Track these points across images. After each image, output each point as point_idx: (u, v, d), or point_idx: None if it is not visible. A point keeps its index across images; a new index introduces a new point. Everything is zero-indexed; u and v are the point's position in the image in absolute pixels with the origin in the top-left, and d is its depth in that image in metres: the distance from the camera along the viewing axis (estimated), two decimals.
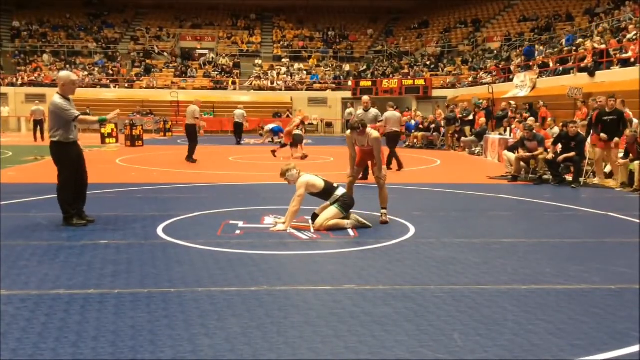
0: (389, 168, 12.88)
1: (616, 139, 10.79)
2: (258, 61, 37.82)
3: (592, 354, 3.35)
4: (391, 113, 13.97)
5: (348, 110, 27.05)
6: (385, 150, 11.26)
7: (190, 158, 14.98)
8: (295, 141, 16.95)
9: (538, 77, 21.81)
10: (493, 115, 19.25)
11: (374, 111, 11.69)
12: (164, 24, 41.36)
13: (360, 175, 8.65)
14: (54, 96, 6.74)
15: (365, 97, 12.13)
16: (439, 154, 18.93)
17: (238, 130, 24.15)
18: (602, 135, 10.84)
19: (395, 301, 4.23)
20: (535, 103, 17.47)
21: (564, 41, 24.31)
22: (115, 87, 34.70)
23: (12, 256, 5.34)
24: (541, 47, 25.77)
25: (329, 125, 33.86)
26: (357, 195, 7.36)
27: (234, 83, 35.21)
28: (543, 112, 16.23)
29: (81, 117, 6.99)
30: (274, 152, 17.12)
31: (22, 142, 22.01)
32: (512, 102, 19.04)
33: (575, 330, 3.71)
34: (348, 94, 32.92)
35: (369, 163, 7.57)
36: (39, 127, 23.00)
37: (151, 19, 42.12)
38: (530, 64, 23.63)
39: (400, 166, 13.36)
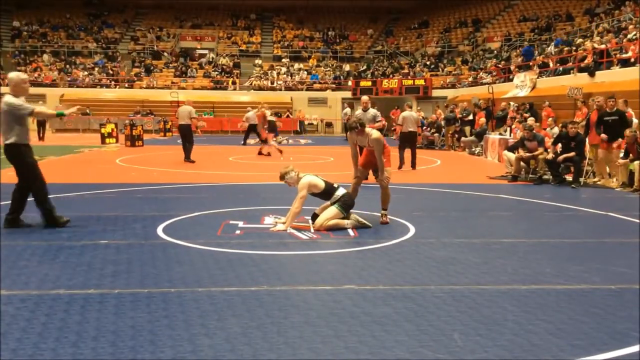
0: (401, 167, 13.64)
1: (620, 139, 10.78)
2: (258, 61, 37.83)
3: (592, 354, 3.34)
4: (408, 113, 14.45)
5: (345, 111, 27.27)
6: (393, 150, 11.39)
7: (188, 158, 14.93)
8: (271, 129, 17.37)
9: (538, 77, 21.81)
10: (493, 115, 19.24)
11: (372, 111, 11.67)
12: (164, 24, 41.37)
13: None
14: (6, 97, 6.51)
15: (365, 97, 12.11)
16: (439, 154, 18.93)
17: (254, 131, 24.18)
18: (603, 135, 10.84)
19: (395, 301, 4.23)
20: (540, 103, 17.45)
21: (552, 45, 24.34)
22: (115, 87, 34.70)
23: (12, 256, 5.34)
24: (535, 51, 25.79)
25: (329, 125, 33.89)
26: (360, 195, 7.35)
27: (234, 83, 35.22)
28: (548, 111, 16.21)
29: (37, 109, 6.81)
30: (267, 153, 17.14)
31: None
32: (512, 102, 19.05)
33: (575, 330, 3.71)
34: (348, 94, 32.92)
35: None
36: (41, 127, 23.88)
37: (151, 19, 42.12)
38: (531, 64, 23.62)
39: (401, 165, 13.78)
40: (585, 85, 17.33)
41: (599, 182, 11.18)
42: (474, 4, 39.54)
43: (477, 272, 5.03)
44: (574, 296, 4.40)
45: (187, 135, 15.04)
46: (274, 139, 17.62)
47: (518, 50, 28.16)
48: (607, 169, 11.37)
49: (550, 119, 14.79)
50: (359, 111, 11.79)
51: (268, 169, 13.66)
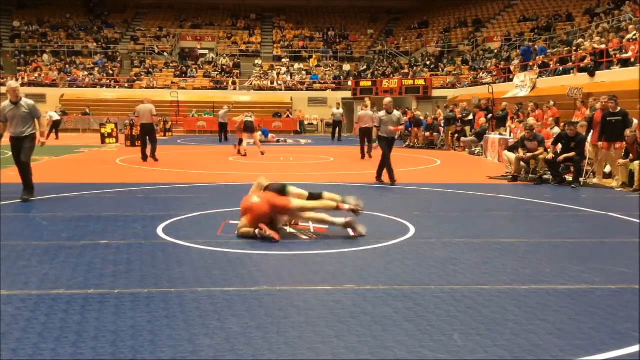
0: (363, 158, 16.48)
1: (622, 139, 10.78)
2: (258, 61, 37.82)
3: (592, 354, 3.34)
4: (364, 112, 17.36)
5: (339, 111, 26.34)
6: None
7: (153, 156, 15.03)
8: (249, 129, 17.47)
9: (538, 77, 21.82)
10: (493, 115, 19.23)
11: (397, 113, 10.94)
12: (164, 24, 41.36)
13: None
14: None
15: (388, 99, 11.12)
16: (439, 154, 18.93)
17: (225, 130, 25.37)
18: (600, 143, 10.92)
19: (395, 301, 4.23)
20: (542, 103, 17.43)
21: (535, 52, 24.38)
22: (115, 87, 34.71)
23: (12, 256, 5.34)
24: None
25: (329, 125, 33.84)
26: (360, 195, 7.34)
27: (234, 83, 35.22)
28: (554, 111, 16.21)
29: None
30: (243, 152, 17.25)
31: None
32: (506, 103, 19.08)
33: (575, 330, 3.71)
34: (348, 94, 32.92)
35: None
36: (54, 128, 24.97)
37: (151, 19, 42.12)
38: (531, 64, 23.63)
39: (369, 155, 16.42)
40: (585, 85, 17.32)
41: (597, 182, 11.17)
42: (474, 4, 39.54)
43: (477, 272, 5.03)
44: (574, 296, 4.40)
45: (150, 134, 15.13)
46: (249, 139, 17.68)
47: (518, 50, 28.13)
48: (608, 169, 11.37)
49: (550, 119, 14.79)
50: (382, 113, 10.93)
51: (268, 169, 13.66)
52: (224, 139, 24.80)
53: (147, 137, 15.14)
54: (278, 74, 36.11)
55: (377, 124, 10.94)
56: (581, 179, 10.98)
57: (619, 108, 10.96)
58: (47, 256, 5.38)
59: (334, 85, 34.99)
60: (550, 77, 21.37)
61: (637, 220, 7.41)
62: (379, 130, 10.90)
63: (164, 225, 6.77)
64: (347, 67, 37.29)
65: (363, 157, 16.62)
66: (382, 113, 10.98)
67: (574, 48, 21.52)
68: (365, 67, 36.91)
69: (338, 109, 26.62)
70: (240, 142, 17.46)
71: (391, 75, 33.90)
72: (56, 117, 25.57)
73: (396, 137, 11.58)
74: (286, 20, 42.79)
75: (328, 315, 3.91)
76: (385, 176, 10.89)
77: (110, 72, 35.68)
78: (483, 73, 29.39)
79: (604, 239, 6.54)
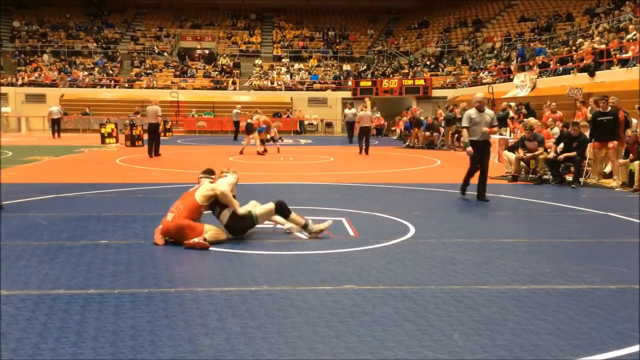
0: (360, 153, 18.02)
1: (614, 138, 10.77)
2: (258, 61, 37.82)
3: (592, 354, 3.34)
4: (364, 113, 18.91)
5: (351, 111, 23.96)
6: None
7: (157, 153, 16.30)
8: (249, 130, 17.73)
9: (538, 77, 21.82)
10: None
11: (491, 112, 9.06)
12: (164, 24, 41.36)
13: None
14: None
15: (480, 94, 9.40)
16: (439, 154, 18.92)
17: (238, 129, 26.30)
18: (592, 143, 10.91)
19: (395, 301, 4.23)
20: (541, 103, 17.43)
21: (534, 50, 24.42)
22: (115, 87, 34.70)
23: (12, 256, 5.34)
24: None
25: (329, 125, 33.89)
26: (360, 194, 7.34)
27: (234, 83, 35.22)
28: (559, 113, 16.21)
29: None
30: (242, 151, 17.69)
31: (22, 142, 22.01)
32: (512, 103, 19.05)
33: (575, 330, 3.71)
34: (348, 94, 32.92)
35: None
36: (55, 126, 25.92)
37: (151, 19, 42.12)
38: (531, 64, 23.63)
39: (366, 152, 17.99)
40: (585, 85, 17.32)
41: (595, 182, 11.17)
42: (474, 4, 39.54)
43: (477, 272, 5.02)
44: (574, 296, 4.40)
45: (155, 133, 16.42)
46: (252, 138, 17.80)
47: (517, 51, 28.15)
48: (609, 169, 11.36)
49: (550, 119, 14.78)
50: (472, 111, 9.03)
51: (268, 169, 13.67)
52: (234, 137, 25.80)
53: (152, 136, 16.33)
54: (278, 74, 36.11)
55: (467, 124, 8.96)
56: (581, 179, 10.98)
57: (609, 108, 10.95)
58: (47, 256, 5.37)
59: (334, 85, 34.99)
60: (550, 77, 21.37)
61: (637, 220, 7.40)
62: (468, 131, 9.00)
63: None
64: (347, 67, 37.30)
65: (361, 152, 18.05)
66: (472, 111, 8.99)
67: (574, 48, 21.51)
68: (365, 67, 36.91)
69: (350, 109, 24.76)
70: (262, 142, 17.93)
71: (391, 75, 33.90)
72: (55, 114, 25.72)
73: (490, 140, 9.39)
74: (286, 20, 42.79)
75: (328, 315, 3.91)
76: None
77: (110, 72, 35.68)
78: (483, 73, 29.38)
79: (604, 239, 6.53)
